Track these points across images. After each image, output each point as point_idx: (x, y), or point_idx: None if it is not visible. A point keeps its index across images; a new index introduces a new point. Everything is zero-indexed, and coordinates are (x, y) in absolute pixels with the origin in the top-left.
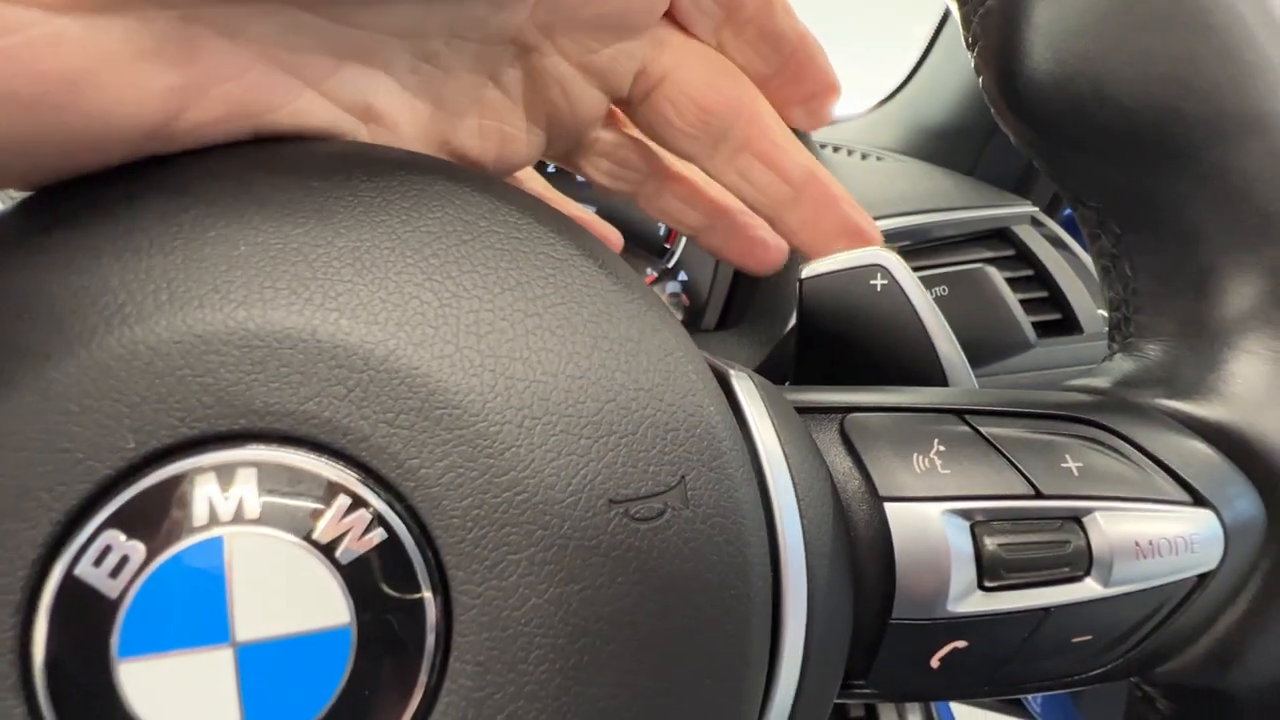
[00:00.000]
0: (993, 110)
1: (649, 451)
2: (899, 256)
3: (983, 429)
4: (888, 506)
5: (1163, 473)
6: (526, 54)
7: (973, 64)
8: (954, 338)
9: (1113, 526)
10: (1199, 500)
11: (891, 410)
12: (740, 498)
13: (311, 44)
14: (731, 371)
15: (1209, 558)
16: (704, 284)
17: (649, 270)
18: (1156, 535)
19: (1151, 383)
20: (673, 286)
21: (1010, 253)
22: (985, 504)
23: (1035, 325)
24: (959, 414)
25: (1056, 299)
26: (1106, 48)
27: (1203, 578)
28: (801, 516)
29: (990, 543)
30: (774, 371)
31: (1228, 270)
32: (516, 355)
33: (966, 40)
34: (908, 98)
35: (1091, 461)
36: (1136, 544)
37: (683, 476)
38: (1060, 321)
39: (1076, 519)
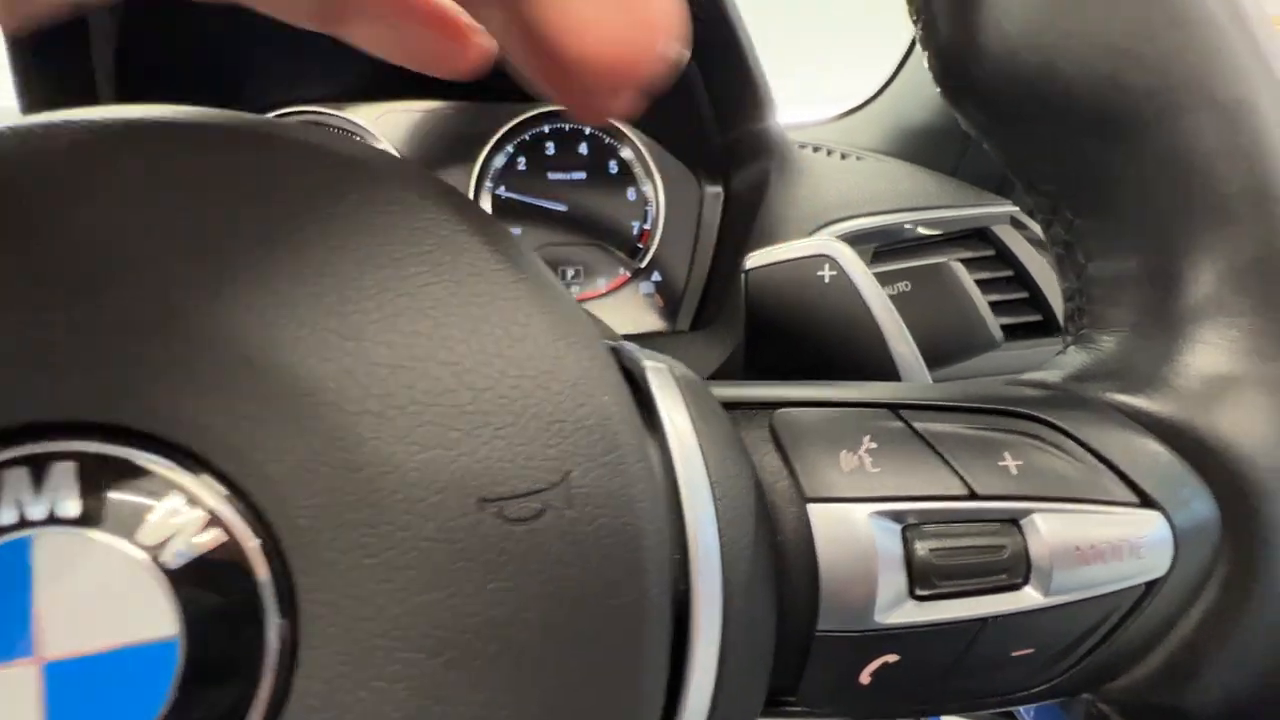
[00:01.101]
0: (940, 90)
1: (528, 446)
2: (848, 247)
3: (917, 425)
4: (811, 508)
5: (1108, 472)
6: None
7: (918, 39)
8: (907, 331)
9: (1052, 529)
10: (1146, 501)
11: (822, 405)
12: (636, 496)
13: None
14: (648, 363)
15: (1157, 564)
16: (678, 284)
17: (622, 270)
18: (1099, 539)
19: (1103, 376)
20: (645, 287)
21: (990, 253)
22: (916, 505)
23: (1015, 327)
24: (893, 409)
25: (1036, 300)
26: (1053, 19)
27: (1151, 585)
28: (718, 519)
29: (921, 547)
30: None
31: (1183, 256)
32: (380, 338)
33: (911, 15)
34: (890, 98)
35: (1032, 460)
36: (1078, 548)
37: (567, 473)
38: (1040, 323)
39: (1014, 521)
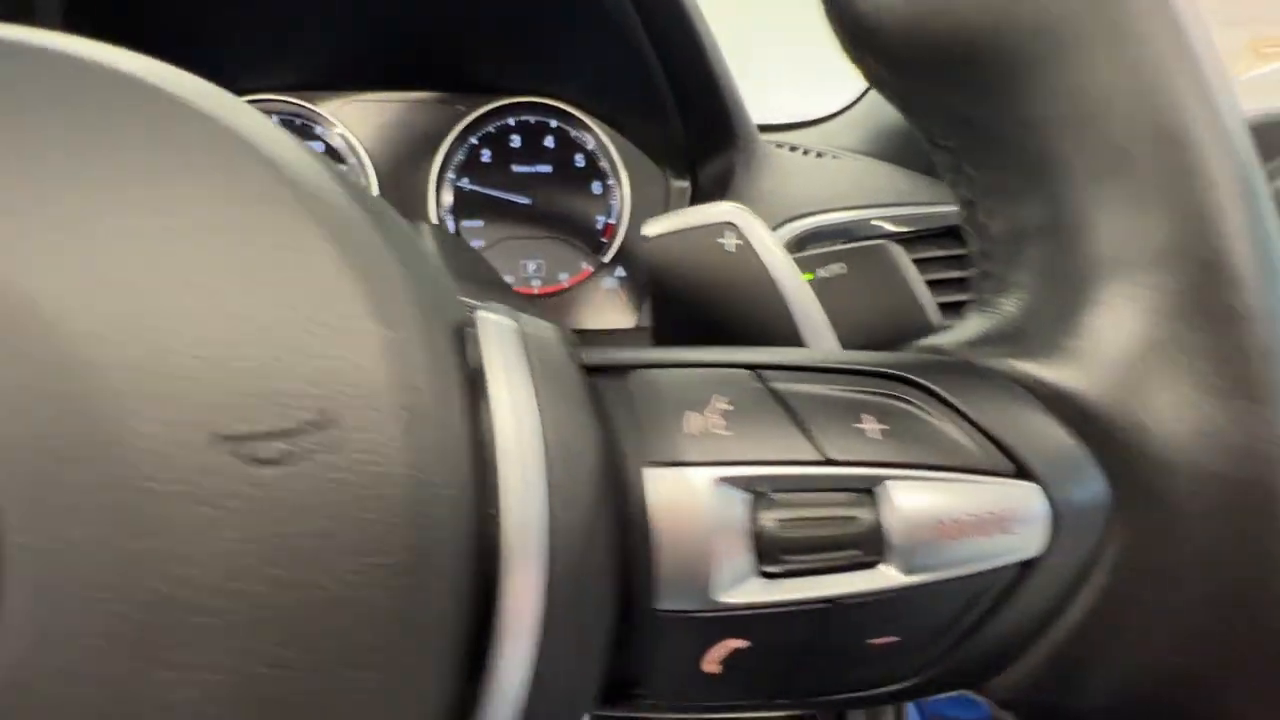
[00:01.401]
0: (839, 44)
1: (285, 381)
2: (752, 214)
3: (777, 386)
4: (647, 473)
5: (983, 439)
6: None
7: None
8: (817, 304)
9: (910, 500)
10: (1023, 472)
11: (682, 366)
12: (419, 446)
13: None
14: (483, 314)
15: (1031, 541)
16: (642, 280)
17: (585, 265)
18: (964, 512)
19: (997, 341)
20: (609, 282)
21: (961, 251)
22: (762, 470)
23: None
24: (756, 370)
25: None
26: None
27: (1027, 566)
28: (550, 482)
29: (767, 518)
30: None
31: (1079, 208)
32: (118, 254)
33: None
34: (870, 100)
35: (898, 424)
36: (939, 522)
37: (330, 414)
38: None
39: (869, 491)
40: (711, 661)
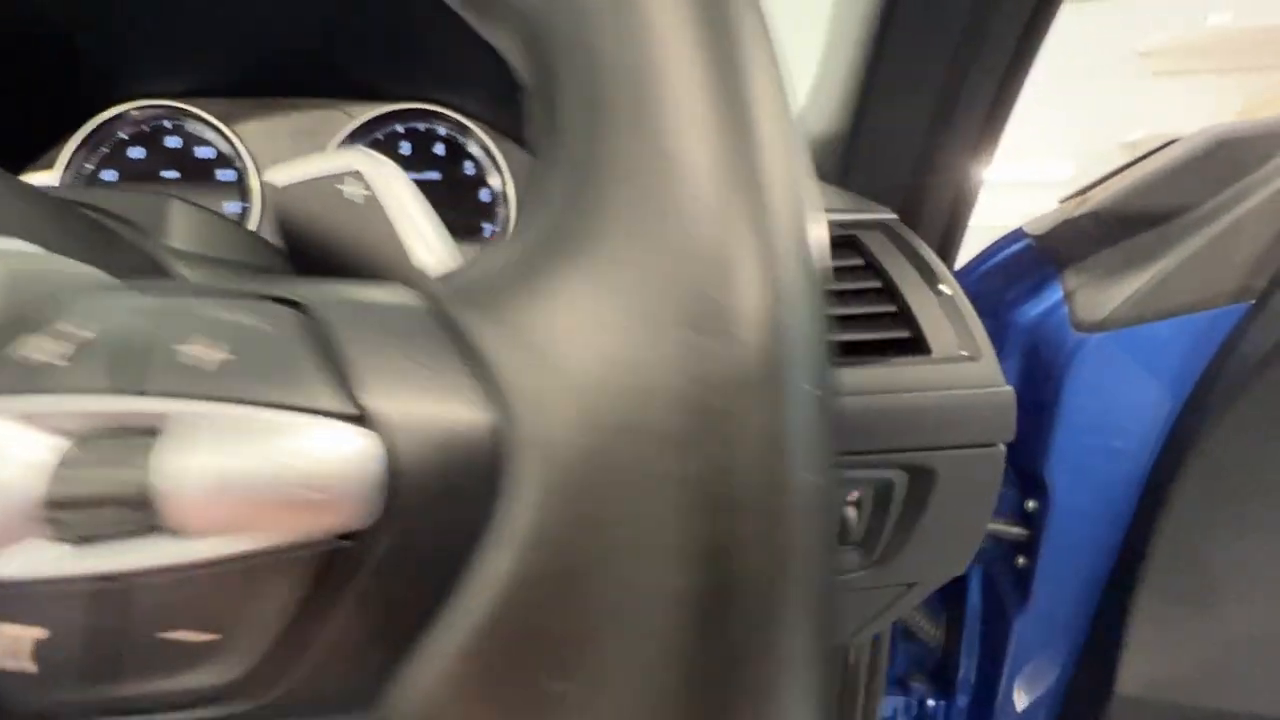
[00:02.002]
0: None
1: None
2: (388, 163)
3: (156, 305)
4: None
5: (334, 377)
6: None
7: None
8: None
9: (187, 444)
10: (361, 418)
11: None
12: None
13: None
14: None
15: (355, 508)
16: None
17: None
18: (264, 459)
19: (466, 284)
20: None
21: (858, 262)
22: (60, 403)
23: (882, 344)
24: (176, 296)
25: (905, 315)
26: None
27: (354, 539)
28: None
29: (59, 466)
30: None
31: (555, 148)
32: None
33: None
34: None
35: (243, 353)
36: (216, 473)
37: None
38: (909, 340)
39: (154, 432)
40: (17, 656)
